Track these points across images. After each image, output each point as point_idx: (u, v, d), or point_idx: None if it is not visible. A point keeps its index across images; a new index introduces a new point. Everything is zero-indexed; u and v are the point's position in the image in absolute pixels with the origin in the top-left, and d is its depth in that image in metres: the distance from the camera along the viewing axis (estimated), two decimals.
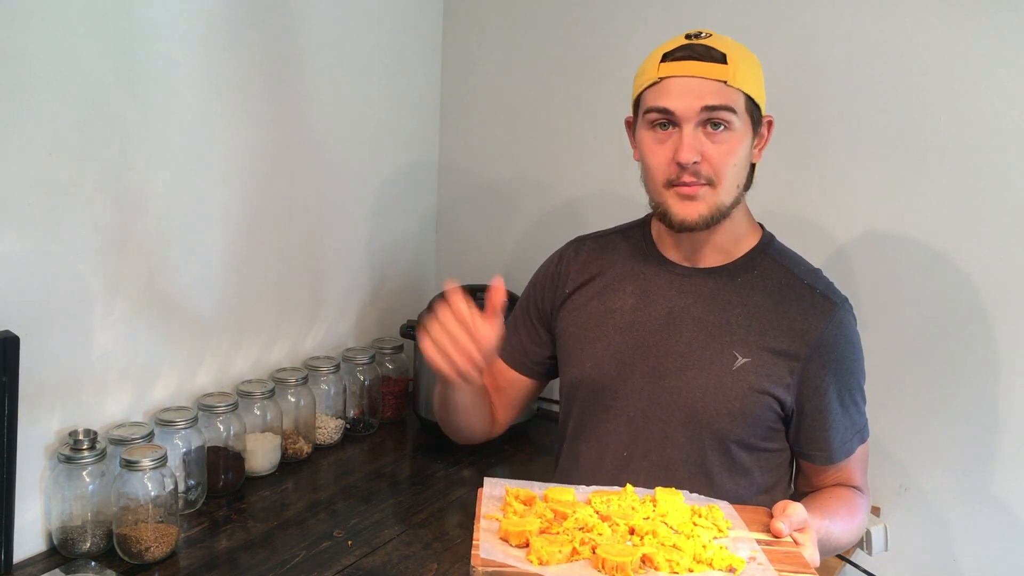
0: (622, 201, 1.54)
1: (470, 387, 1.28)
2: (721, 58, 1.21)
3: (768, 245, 1.34)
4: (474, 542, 1.04)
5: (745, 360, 1.26)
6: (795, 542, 1.10)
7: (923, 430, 1.69)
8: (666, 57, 1.22)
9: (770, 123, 1.30)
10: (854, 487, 1.35)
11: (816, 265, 1.36)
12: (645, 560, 1.02)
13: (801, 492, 1.38)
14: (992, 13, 1.55)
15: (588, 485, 1.24)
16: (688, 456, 1.29)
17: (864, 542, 1.68)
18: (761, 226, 1.36)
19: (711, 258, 1.32)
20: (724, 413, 1.26)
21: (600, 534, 1.07)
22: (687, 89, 1.20)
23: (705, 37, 1.23)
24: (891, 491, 1.73)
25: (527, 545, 1.04)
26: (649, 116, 1.24)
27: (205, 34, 1.56)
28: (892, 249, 1.68)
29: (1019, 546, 1.64)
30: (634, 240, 1.40)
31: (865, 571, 1.51)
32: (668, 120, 1.22)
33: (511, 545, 1.05)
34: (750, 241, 1.33)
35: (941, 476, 1.69)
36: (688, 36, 1.24)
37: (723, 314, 1.29)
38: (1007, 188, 1.57)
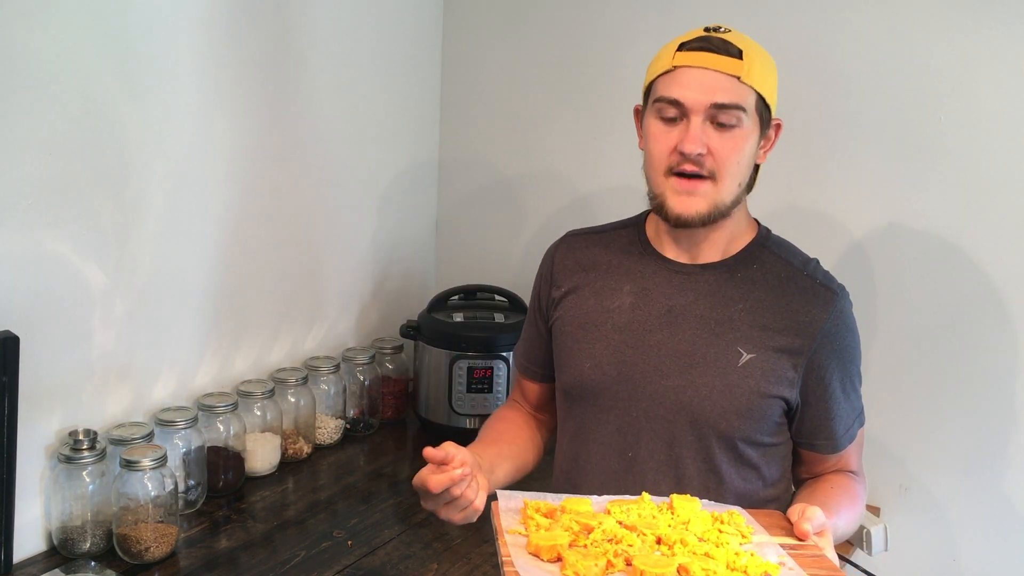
0: (623, 199, 1.54)
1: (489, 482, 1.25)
2: (737, 53, 1.21)
3: (766, 238, 1.34)
4: (504, 559, 1.01)
5: (750, 356, 1.26)
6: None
7: (924, 430, 1.69)
8: (682, 47, 1.23)
9: (778, 126, 1.30)
10: (851, 472, 1.36)
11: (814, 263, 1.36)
12: (681, 570, 0.99)
13: (799, 479, 1.38)
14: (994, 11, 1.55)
15: (592, 486, 1.22)
16: (696, 454, 1.28)
17: (864, 542, 1.68)
18: (757, 222, 1.36)
19: (709, 255, 1.32)
20: (732, 411, 1.26)
21: (631, 545, 1.04)
22: (699, 82, 1.20)
23: (724, 32, 1.24)
24: (891, 491, 1.73)
25: (559, 559, 1.02)
26: (658, 105, 1.24)
27: (205, 33, 1.56)
28: (894, 250, 1.68)
29: (1020, 546, 1.64)
30: (629, 237, 1.39)
31: (865, 571, 1.50)
32: (678, 111, 1.22)
33: (543, 560, 1.02)
34: (748, 236, 1.33)
35: (941, 476, 1.69)
36: (707, 29, 1.25)
37: (725, 310, 1.29)
38: (1016, 188, 1.57)
